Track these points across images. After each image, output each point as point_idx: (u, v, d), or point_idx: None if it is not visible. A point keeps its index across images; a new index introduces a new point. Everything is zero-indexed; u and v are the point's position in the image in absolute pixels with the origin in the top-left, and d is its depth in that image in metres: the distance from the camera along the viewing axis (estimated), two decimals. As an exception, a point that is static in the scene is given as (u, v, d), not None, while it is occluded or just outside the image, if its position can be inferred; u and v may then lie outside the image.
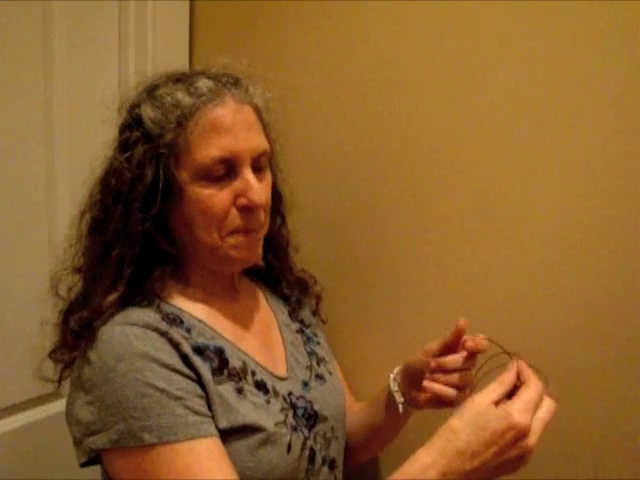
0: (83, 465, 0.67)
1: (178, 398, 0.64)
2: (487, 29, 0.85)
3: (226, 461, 0.65)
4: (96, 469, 0.71)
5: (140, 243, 0.71)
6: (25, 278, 0.96)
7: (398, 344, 0.98)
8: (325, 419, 0.80)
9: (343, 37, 0.99)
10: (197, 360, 0.68)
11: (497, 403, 0.60)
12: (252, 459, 0.68)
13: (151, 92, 0.73)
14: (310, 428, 0.77)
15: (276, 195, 0.84)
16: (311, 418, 0.78)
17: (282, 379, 0.79)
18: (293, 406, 0.77)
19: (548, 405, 0.60)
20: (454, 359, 0.75)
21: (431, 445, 0.60)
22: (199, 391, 0.67)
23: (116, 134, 0.75)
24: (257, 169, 0.74)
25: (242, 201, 0.72)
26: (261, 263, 0.88)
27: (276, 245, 0.88)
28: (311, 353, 0.87)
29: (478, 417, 0.59)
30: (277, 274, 0.91)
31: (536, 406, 0.59)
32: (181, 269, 0.78)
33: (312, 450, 0.76)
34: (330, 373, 0.88)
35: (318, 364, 0.87)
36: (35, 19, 0.93)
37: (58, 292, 0.76)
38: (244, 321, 0.82)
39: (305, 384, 0.82)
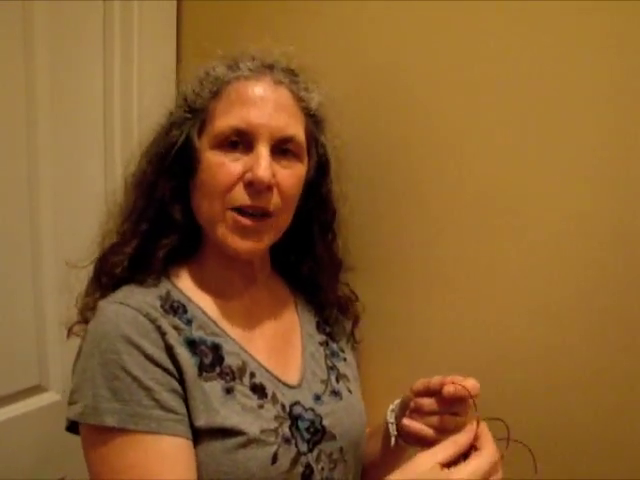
0: (69, 430, 0.68)
1: (148, 389, 0.63)
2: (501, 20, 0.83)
3: (183, 465, 0.62)
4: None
5: (160, 203, 0.73)
6: (7, 274, 0.93)
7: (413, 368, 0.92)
8: (333, 437, 0.74)
9: (334, 36, 0.95)
10: (183, 353, 0.67)
11: (449, 464, 0.57)
12: (228, 462, 0.65)
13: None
14: (314, 444, 0.71)
15: (329, 209, 0.82)
16: (317, 433, 0.72)
17: (290, 387, 0.74)
18: (294, 417, 0.71)
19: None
20: (430, 402, 0.72)
21: None
22: (174, 385, 0.65)
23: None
24: (282, 153, 0.72)
25: (248, 176, 0.69)
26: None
27: (321, 261, 0.84)
28: (332, 368, 0.81)
29: (418, 476, 0.56)
30: (316, 285, 0.86)
31: (486, 476, 0.57)
32: (198, 255, 0.78)
33: (309, 468, 0.70)
34: (350, 391, 0.81)
35: (337, 380, 0.81)
36: (14, 20, 0.88)
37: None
38: (259, 322, 0.78)
39: (317, 397, 0.76)
